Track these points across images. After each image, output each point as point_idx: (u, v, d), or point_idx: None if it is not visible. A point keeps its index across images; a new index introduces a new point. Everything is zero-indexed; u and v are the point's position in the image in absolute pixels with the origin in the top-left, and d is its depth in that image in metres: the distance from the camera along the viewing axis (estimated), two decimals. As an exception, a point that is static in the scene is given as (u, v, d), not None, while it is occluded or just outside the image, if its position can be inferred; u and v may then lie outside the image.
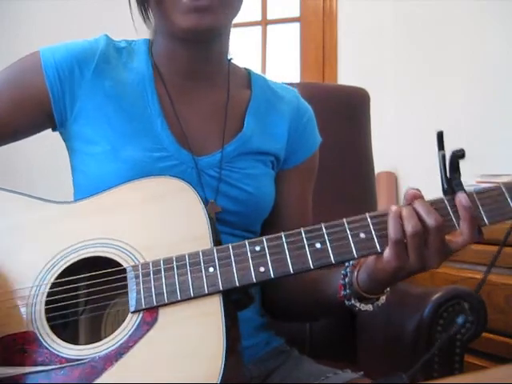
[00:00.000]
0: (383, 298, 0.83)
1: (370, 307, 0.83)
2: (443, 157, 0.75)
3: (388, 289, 0.82)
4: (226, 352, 0.69)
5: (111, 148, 0.89)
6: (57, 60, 0.90)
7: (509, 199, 0.75)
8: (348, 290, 0.82)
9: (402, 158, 2.41)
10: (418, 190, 0.76)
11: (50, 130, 0.96)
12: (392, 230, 0.73)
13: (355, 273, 0.82)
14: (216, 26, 0.87)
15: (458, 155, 0.74)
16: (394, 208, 0.74)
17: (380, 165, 1.85)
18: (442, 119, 2.22)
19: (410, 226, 0.72)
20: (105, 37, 0.96)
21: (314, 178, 1.07)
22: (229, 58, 1.01)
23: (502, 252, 1.47)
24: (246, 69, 1.05)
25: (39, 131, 0.96)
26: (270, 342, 1.01)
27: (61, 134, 0.96)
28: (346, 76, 2.61)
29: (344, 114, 1.53)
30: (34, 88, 0.90)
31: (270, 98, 1.02)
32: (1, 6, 2.80)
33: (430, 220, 0.72)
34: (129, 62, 0.96)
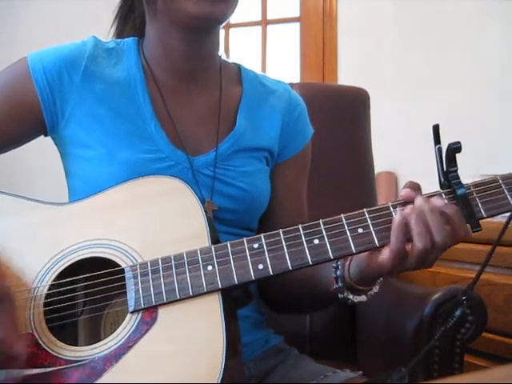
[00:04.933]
0: (376, 288, 0.82)
1: (363, 298, 0.83)
2: (439, 150, 0.75)
3: (381, 279, 0.82)
4: (227, 351, 0.68)
5: (106, 151, 0.89)
6: (45, 65, 0.90)
7: (506, 192, 0.75)
8: (340, 284, 0.82)
9: (402, 158, 2.41)
10: (414, 183, 0.76)
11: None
12: (395, 243, 0.72)
13: (346, 265, 0.82)
14: (226, 16, 0.88)
15: (455, 148, 0.74)
16: (398, 219, 0.73)
17: (380, 165, 1.84)
18: (442, 119, 2.21)
19: (420, 245, 0.72)
20: (93, 38, 0.96)
21: (308, 169, 1.07)
22: (219, 54, 1.01)
23: (502, 252, 1.47)
24: (235, 64, 1.05)
25: (32, 138, 0.95)
26: (269, 340, 1.01)
27: (53, 138, 0.96)
28: (346, 76, 2.60)
29: (344, 114, 1.53)
30: (24, 94, 0.90)
31: (261, 92, 1.02)
32: (3, 5, 2.80)
33: (441, 238, 0.72)
34: (118, 63, 0.95)
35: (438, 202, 0.74)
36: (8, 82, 0.93)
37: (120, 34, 1.03)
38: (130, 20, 1.02)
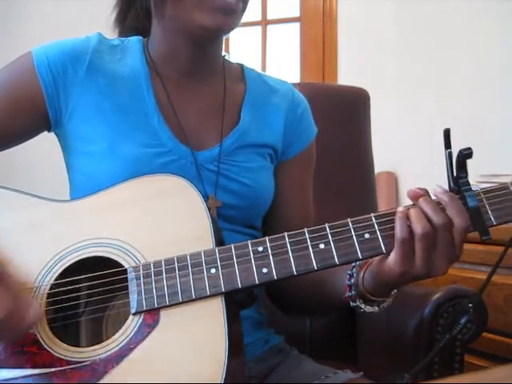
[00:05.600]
0: (389, 301, 0.81)
1: (375, 309, 0.82)
2: (450, 155, 0.74)
3: (395, 291, 0.81)
4: (229, 354, 0.68)
5: (108, 145, 0.89)
6: (49, 58, 0.90)
7: None
8: (353, 292, 0.81)
9: (402, 158, 2.41)
10: (421, 188, 0.75)
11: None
12: (399, 231, 0.71)
13: (361, 274, 0.81)
14: (235, 26, 0.89)
15: (466, 154, 0.73)
16: (400, 209, 0.73)
17: (380, 165, 1.85)
18: (442, 119, 2.22)
19: (419, 227, 0.71)
20: (97, 34, 0.96)
21: (313, 168, 1.07)
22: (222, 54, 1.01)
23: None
24: (238, 64, 1.06)
25: (36, 134, 0.95)
26: (269, 340, 1.01)
27: (56, 134, 0.95)
28: (346, 76, 2.60)
29: (344, 113, 1.53)
30: (28, 88, 0.90)
31: (264, 91, 1.02)
32: (4, 5, 2.80)
33: (438, 219, 0.71)
34: (123, 59, 0.95)
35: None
36: (12, 76, 0.92)
37: (121, 22, 1.02)
38: (132, 11, 1.01)
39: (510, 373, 0.61)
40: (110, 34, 1.02)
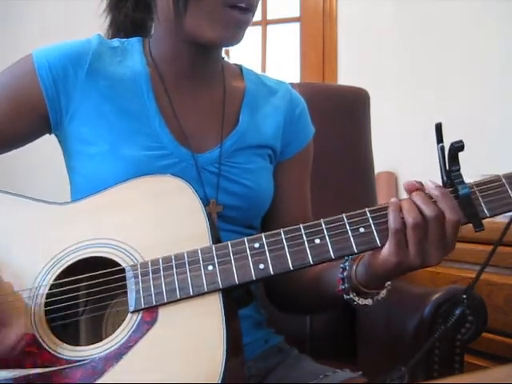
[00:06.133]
0: (383, 293, 0.82)
1: (369, 301, 0.82)
2: (442, 149, 0.74)
3: (389, 283, 0.81)
4: (227, 351, 0.68)
5: (109, 147, 0.89)
6: (50, 61, 0.90)
7: (509, 191, 0.74)
8: (346, 284, 0.82)
9: (402, 158, 2.41)
10: (417, 181, 0.76)
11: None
12: (392, 222, 0.73)
13: (354, 267, 0.81)
14: (240, 42, 0.91)
15: (457, 147, 0.73)
16: (393, 200, 0.74)
17: (380, 165, 1.85)
18: (442, 119, 2.21)
19: (410, 218, 0.72)
20: (97, 36, 0.96)
21: (310, 168, 1.07)
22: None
23: (502, 252, 1.47)
24: (236, 65, 1.06)
25: (37, 137, 0.95)
26: (269, 340, 1.01)
27: (56, 136, 0.95)
28: (346, 76, 2.61)
29: (344, 113, 1.53)
30: (29, 90, 0.90)
31: (263, 92, 1.03)
32: (4, 5, 2.80)
33: (429, 211, 0.72)
34: (123, 61, 0.95)
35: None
36: (13, 79, 0.92)
37: (116, 8, 1.02)
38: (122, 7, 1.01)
39: (510, 373, 0.61)
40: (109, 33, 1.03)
